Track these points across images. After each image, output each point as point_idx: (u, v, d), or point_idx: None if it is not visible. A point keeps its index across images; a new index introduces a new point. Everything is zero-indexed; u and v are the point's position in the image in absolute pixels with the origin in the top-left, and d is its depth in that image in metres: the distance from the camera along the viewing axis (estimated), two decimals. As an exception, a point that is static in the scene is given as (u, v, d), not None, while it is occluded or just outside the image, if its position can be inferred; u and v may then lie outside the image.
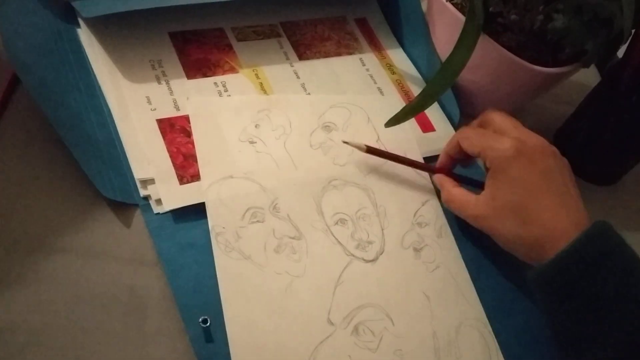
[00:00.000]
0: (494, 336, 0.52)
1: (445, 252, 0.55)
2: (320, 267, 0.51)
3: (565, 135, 0.71)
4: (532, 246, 0.50)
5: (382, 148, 0.60)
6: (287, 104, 0.60)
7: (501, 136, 0.53)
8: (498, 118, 0.55)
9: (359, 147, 0.56)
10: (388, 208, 0.56)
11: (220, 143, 0.55)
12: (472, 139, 0.54)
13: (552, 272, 0.47)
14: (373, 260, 0.53)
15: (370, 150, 0.57)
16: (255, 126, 0.57)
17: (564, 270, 0.47)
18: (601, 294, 0.45)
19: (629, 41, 0.60)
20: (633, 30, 0.60)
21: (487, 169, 0.53)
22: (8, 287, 0.45)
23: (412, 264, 0.54)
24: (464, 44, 0.57)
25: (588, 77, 0.75)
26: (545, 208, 0.49)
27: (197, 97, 0.58)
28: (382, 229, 0.55)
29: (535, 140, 0.53)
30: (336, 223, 0.54)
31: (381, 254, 0.53)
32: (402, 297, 0.52)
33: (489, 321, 0.53)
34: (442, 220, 0.57)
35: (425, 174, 0.60)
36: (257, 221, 0.52)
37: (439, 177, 0.58)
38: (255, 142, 0.56)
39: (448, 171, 0.59)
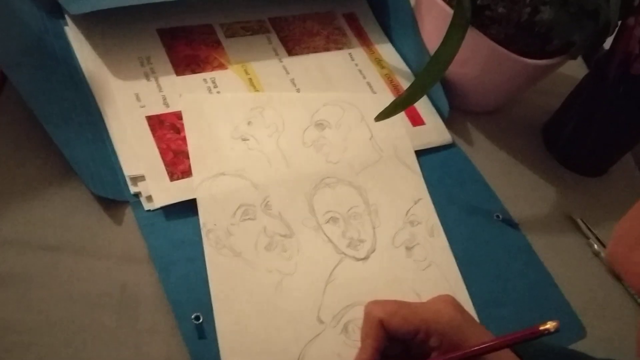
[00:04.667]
0: None
1: (437, 250, 0.56)
2: (311, 265, 0.51)
3: (553, 127, 0.71)
4: None
5: (376, 146, 0.60)
6: (280, 102, 0.60)
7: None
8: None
9: None
10: (380, 207, 0.56)
11: (212, 140, 0.55)
12: (404, 313, 0.45)
13: None
14: (364, 259, 0.53)
15: None
16: (248, 123, 0.57)
17: None
18: None
19: (615, 32, 0.61)
20: (619, 22, 0.60)
21: (432, 349, 0.44)
22: (-2, 286, 0.45)
23: (404, 262, 0.54)
24: (452, 37, 0.57)
25: (575, 69, 0.76)
26: None
27: (189, 94, 0.58)
28: (374, 228, 0.55)
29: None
30: (328, 221, 0.54)
31: (372, 252, 0.54)
32: (393, 296, 0.51)
33: (479, 320, 0.53)
34: (434, 219, 0.57)
35: (418, 170, 0.60)
36: (249, 218, 0.52)
37: None
38: (248, 140, 0.56)
39: None
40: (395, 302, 0.46)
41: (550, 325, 0.40)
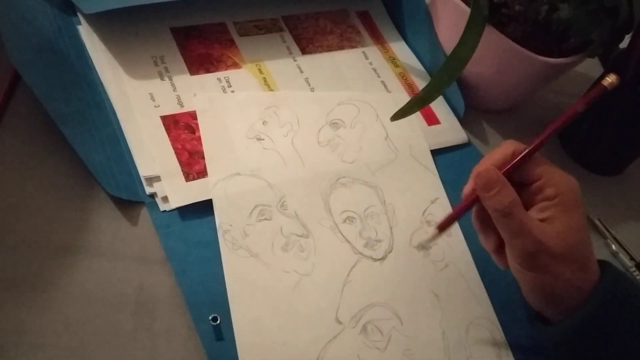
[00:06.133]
0: (503, 335, 0.52)
1: (455, 250, 0.55)
2: (329, 265, 0.51)
3: (569, 126, 0.70)
4: (580, 291, 0.44)
5: (391, 145, 0.60)
6: (295, 101, 0.60)
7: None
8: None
9: (434, 237, 0.49)
10: (397, 206, 0.56)
11: (227, 140, 0.55)
12: (537, 157, 0.47)
13: (585, 324, 0.44)
14: (382, 259, 0.53)
15: (443, 227, 0.48)
16: (263, 123, 0.57)
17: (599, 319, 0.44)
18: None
19: (633, 31, 0.60)
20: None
21: (543, 199, 0.46)
22: (15, 288, 0.44)
23: (421, 262, 0.54)
24: (470, 36, 0.56)
25: (590, 68, 0.75)
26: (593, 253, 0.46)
27: (204, 94, 0.57)
28: (391, 227, 0.55)
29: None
30: (344, 221, 0.53)
31: (390, 252, 0.53)
32: (411, 296, 0.51)
33: (498, 320, 0.52)
34: None
35: (434, 170, 0.60)
36: (265, 219, 0.51)
37: (498, 175, 0.45)
38: (263, 139, 0.56)
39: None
40: None
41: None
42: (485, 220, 0.47)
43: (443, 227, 0.48)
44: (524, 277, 0.46)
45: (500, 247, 0.47)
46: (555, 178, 0.46)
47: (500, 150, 0.48)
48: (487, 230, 0.48)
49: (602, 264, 0.47)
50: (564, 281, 0.44)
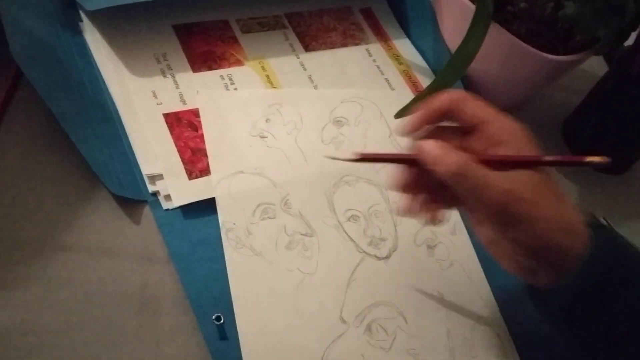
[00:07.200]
0: (509, 334, 0.51)
1: (459, 249, 0.55)
2: (333, 264, 0.50)
3: (573, 124, 0.70)
4: (568, 232, 0.41)
5: (395, 143, 0.60)
6: (298, 99, 0.60)
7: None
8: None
9: (346, 159, 0.44)
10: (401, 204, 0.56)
11: (230, 137, 0.54)
12: (479, 101, 0.44)
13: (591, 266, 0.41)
14: (386, 258, 0.52)
15: (363, 158, 0.44)
16: (266, 121, 0.57)
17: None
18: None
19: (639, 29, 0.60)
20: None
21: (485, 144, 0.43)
22: (18, 286, 0.44)
23: (426, 261, 0.53)
24: (475, 34, 0.56)
25: (595, 66, 0.75)
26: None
27: (206, 91, 0.57)
28: (395, 226, 0.54)
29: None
30: (348, 219, 0.53)
31: (394, 251, 0.53)
32: (416, 295, 0.51)
33: (503, 319, 0.52)
34: (456, 217, 0.57)
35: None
36: (268, 217, 0.51)
37: (432, 141, 0.42)
38: (266, 137, 0.56)
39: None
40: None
41: (597, 159, 0.42)
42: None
43: (365, 158, 0.44)
44: (504, 239, 0.42)
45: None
46: (499, 119, 0.43)
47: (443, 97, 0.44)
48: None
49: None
50: (544, 224, 0.40)
